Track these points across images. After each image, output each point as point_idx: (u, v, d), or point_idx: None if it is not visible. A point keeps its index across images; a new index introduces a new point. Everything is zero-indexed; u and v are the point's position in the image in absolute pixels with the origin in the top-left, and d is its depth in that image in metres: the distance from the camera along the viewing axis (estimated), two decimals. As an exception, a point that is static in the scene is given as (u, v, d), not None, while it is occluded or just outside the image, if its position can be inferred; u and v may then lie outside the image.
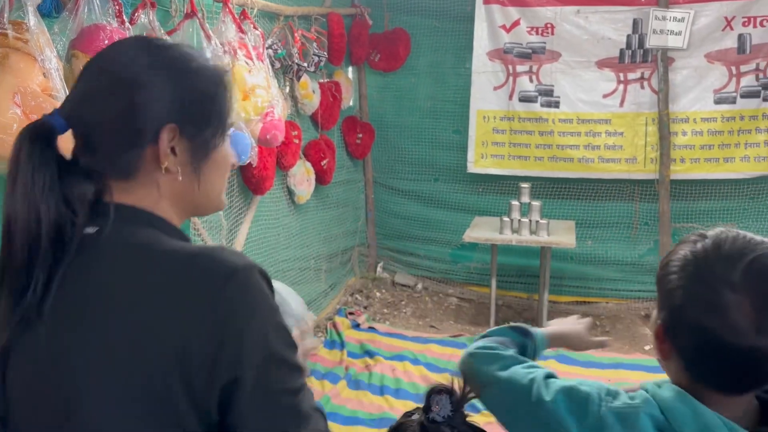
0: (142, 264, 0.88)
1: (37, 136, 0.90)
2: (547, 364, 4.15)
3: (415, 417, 1.26)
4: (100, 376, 0.85)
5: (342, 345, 4.51)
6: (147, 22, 2.54)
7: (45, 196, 0.88)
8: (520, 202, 4.62)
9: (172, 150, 0.94)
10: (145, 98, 0.92)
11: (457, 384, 1.25)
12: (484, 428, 1.28)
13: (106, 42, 2.15)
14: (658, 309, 1.05)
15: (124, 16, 2.29)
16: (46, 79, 1.89)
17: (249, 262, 0.91)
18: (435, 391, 1.24)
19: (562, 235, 4.56)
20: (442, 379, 3.95)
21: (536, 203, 4.60)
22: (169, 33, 2.70)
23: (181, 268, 0.87)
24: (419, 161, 5.52)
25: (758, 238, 0.97)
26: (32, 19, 1.88)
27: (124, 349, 0.84)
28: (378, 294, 5.54)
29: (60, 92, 1.92)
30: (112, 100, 0.92)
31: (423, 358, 4.31)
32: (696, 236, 1.02)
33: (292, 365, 0.91)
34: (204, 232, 3.26)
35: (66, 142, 0.96)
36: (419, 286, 5.62)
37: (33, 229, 0.87)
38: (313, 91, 4.39)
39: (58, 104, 1.91)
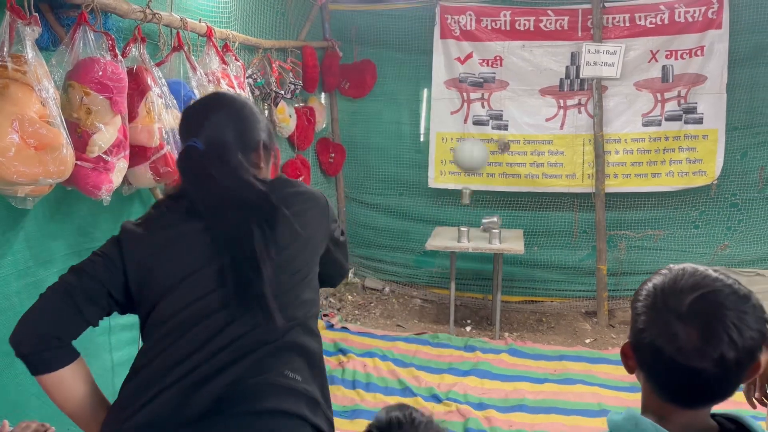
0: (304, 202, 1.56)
1: None
2: (500, 357, 4.20)
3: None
4: None
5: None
6: (138, 55, 2.51)
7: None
8: (462, 204, 4.75)
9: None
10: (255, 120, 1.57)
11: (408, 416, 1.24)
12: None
13: (101, 74, 2.12)
14: (629, 330, 1.09)
15: (117, 50, 2.26)
16: (43, 107, 1.85)
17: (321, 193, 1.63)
18: (382, 427, 1.22)
19: (512, 243, 4.60)
20: (408, 373, 3.95)
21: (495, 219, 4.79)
22: (158, 65, 2.67)
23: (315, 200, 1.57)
24: (385, 178, 5.53)
25: (714, 274, 1.01)
26: (30, 53, 1.84)
27: None
28: (350, 297, 5.52)
29: (56, 119, 1.88)
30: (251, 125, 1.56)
31: (391, 354, 4.29)
32: (665, 269, 1.06)
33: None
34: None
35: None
36: (387, 289, 5.62)
37: None
38: (290, 116, 4.38)
39: (55, 130, 1.88)
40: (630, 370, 1.08)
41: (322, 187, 5.40)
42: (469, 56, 4.99)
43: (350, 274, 5.79)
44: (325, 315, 4.99)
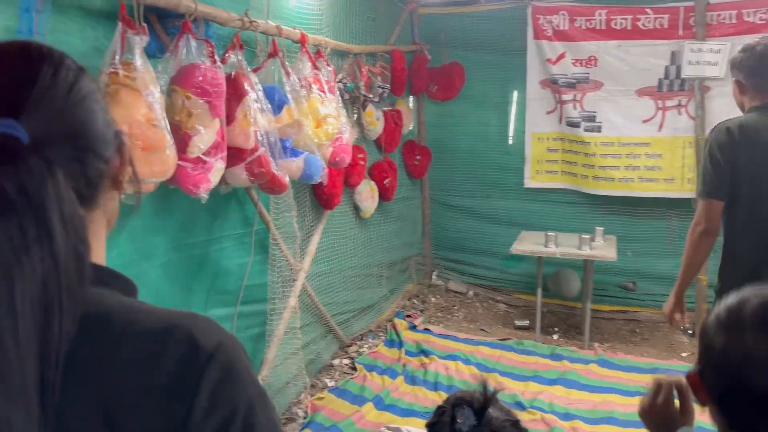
0: (107, 342, 0.65)
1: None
2: (588, 368, 4.05)
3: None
4: None
5: (400, 344, 4.50)
6: (236, 62, 2.62)
7: None
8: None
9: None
10: (103, 114, 0.74)
11: (477, 393, 1.20)
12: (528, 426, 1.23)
13: (201, 79, 2.24)
14: (697, 360, 1.02)
15: (216, 56, 2.37)
16: (149, 110, 1.97)
17: (227, 336, 0.71)
18: (456, 404, 1.20)
19: (604, 249, 4.42)
20: (491, 378, 3.90)
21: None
22: (255, 70, 2.77)
23: (170, 358, 0.65)
24: (472, 180, 5.48)
25: None
26: (139, 60, 1.97)
27: None
28: (433, 299, 5.50)
29: (161, 122, 2.00)
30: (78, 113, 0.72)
31: (473, 358, 4.25)
32: (733, 294, 0.99)
33: None
34: (281, 243, 3.32)
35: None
36: (470, 292, 5.56)
37: None
38: (378, 119, 4.43)
39: (160, 133, 2.00)
40: (702, 403, 1.00)
41: (407, 190, 5.42)
42: (562, 57, 4.85)
43: (434, 276, 5.78)
44: (407, 316, 5.01)
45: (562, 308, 5.19)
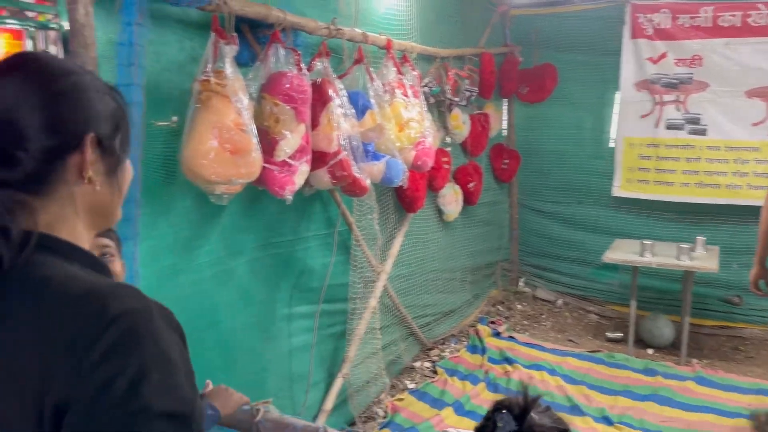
0: (39, 312, 0.74)
1: None
2: (684, 385, 3.84)
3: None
4: None
5: (483, 350, 4.47)
6: (322, 69, 2.73)
7: None
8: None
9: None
10: (59, 110, 0.81)
11: (518, 399, 1.20)
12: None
13: (288, 86, 2.35)
14: None
15: (302, 64, 2.48)
16: (238, 116, 2.11)
17: (143, 306, 0.76)
18: (496, 409, 1.19)
19: (705, 260, 4.19)
20: (577, 391, 3.80)
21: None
22: (341, 77, 2.87)
23: (77, 317, 0.73)
24: (563, 185, 5.35)
25: None
26: (229, 68, 2.11)
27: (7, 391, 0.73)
28: (519, 306, 5.42)
29: (248, 127, 2.13)
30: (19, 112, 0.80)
31: (560, 369, 4.15)
32: None
33: (167, 419, 0.72)
34: (363, 244, 3.41)
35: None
36: (559, 301, 5.42)
37: None
38: (464, 123, 4.44)
39: (247, 137, 2.13)
40: None
41: (494, 194, 5.38)
42: (663, 56, 4.63)
43: (521, 283, 5.68)
44: (491, 322, 4.96)
45: (658, 321, 4.94)
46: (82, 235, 0.85)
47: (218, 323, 2.56)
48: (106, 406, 0.69)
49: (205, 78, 2.06)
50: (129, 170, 0.94)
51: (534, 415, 1.15)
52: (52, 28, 2.01)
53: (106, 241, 1.40)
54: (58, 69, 0.85)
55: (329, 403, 3.22)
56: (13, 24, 2.02)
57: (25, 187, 0.78)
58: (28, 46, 1.88)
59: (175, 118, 2.13)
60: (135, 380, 0.70)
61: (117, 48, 1.79)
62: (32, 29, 2.00)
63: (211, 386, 1.72)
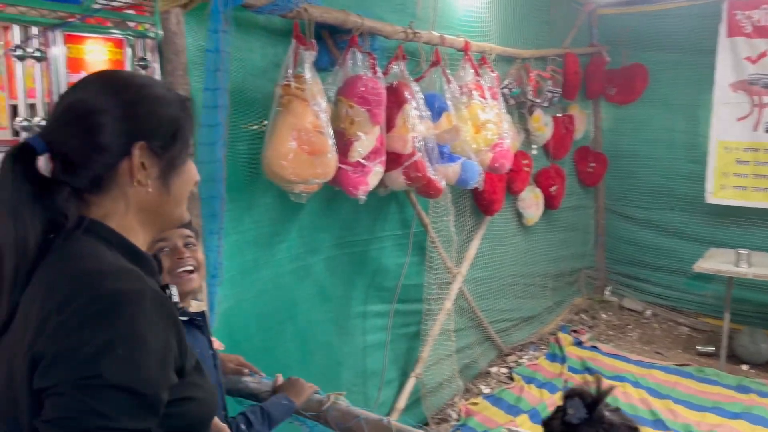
0: (57, 276, 0.87)
1: (19, 156, 0.91)
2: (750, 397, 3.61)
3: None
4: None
5: (563, 359, 4.39)
6: (398, 71, 2.81)
7: (23, 207, 0.89)
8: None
9: (142, 164, 0.94)
10: (110, 123, 0.92)
11: (591, 386, 1.20)
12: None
13: (363, 89, 2.45)
14: None
15: (377, 68, 2.57)
16: (316, 119, 2.22)
17: (134, 288, 0.85)
18: (568, 396, 1.20)
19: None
20: (663, 405, 3.66)
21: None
22: (417, 80, 2.94)
23: (77, 286, 0.84)
24: (653, 190, 5.15)
25: None
26: (308, 73, 2.23)
27: (16, 354, 0.85)
28: (604, 316, 5.26)
29: (325, 129, 2.24)
30: (77, 126, 0.93)
31: (644, 382, 4.01)
32: None
33: (120, 392, 0.79)
34: (439, 246, 3.46)
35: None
36: (648, 312, 5.22)
37: (11, 235, 0.88)
38: (546, 124, 4.38)
39: (323, 139, 2.24)
40: None
41: (578, 198, 5.26)
42: (763, 55, 4.38)
43: (607, 292, 5.52)
44: (574, 331, 4.86)
45: (756, 337, 4.66)
46: (132, 230, 0.97)
47: (296, 317, 2.70)
48: (63, 368, 0.79)
49: (286, 82, 2.19)
50: (189, 174, 1.03)
51: (607, 413, 1.16)
52: (149, 37, 2.21)
53: (188, 231, 1.53)
54: (122, 82, 0.98)
55: (402, 401, 3.28)
56: (115, 34, 2.23)
57: (85, 186, 0.92)
58: (128, 53, 2.08)
59: (265, 122, 2.27)
60: (98, 352, 0.79)
61: (205, 54, 1.94)
62: (132, 38, 2.21)
63: (281, 379, 1.80)
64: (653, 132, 5.10)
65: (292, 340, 2.65)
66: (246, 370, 1.84)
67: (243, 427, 1.49)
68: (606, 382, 1.22)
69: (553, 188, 4.55)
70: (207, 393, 0.98)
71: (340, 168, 2.38)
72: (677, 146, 5.02)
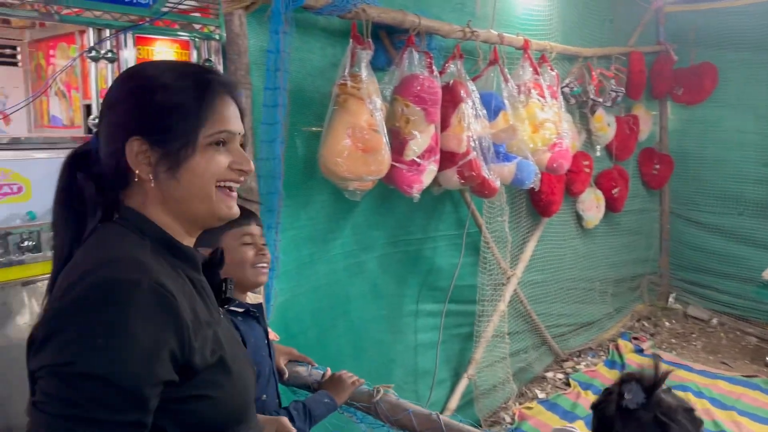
0: (75, 261, 0.91)
1: (76, 156, 0.98)
2: None
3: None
4: None
5: (622, 366, 4.29)
6: (455, 71, 2.83)
7: (74, 201, 0.95)
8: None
9: (144, 158, 0.92)
10: (114, 118, 0.95)
11: (648, 371, 1.17)
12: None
13: (419, 88, 2.48)
14: None
15: (434, 67, 2.59)
16: (371, 117, 2.27)
17: (129, 278, 0.84)
18: (625, 380, 1.18)
19: None
20: (726, 417, 3.55)
21: None
22: (474, 79, 2.95)
23: (82, 272, 0.86)
24: (722, 194, 4.96)
25: None
26: (364, 72, 2.28)
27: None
28: (667, 324, 5.10)
29: (379, 127, 2.28)
30: (103, 122, 0.97)
31: (708, 392, 3.88)
32: None
33: (94, 382, 0.79)
34: (494, 246, 3.45)
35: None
36: (714, 320, 5.03)
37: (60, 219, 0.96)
38: (608, 124, 4.30)
39: (378, 137, 2.29)
40: None
41: (642, 201, 5.12)
42: None
43: (670, 299, 5.35)
44: (634, 338, 4.74)
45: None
46: (167, 223, 0.95)
47: (349, 313, 2.75)
48: (45, 352, 0.81)
49: (342, 81, 2.25)
50: (203, 166, 0.94)
51: (663, 396, 1.14)
52: (214, 39, 2.31)
53: (249, 229, 1.59)
54: (134, 74, 0.99)
55: (454, 402, 3.29)
56: (182, 36, 2.34)
57: (112, 180, 0.95)
58: (194, 55, 2.18)
59: (323, 125, 2.33)
60: (75, 339, 0.80)
61: (266, 54, 2.02)
62: (197, 40, 2.32)
63: (329, 373, 1.84)
64: (722, 133, 4.92)
65: (344, 335, 2.70)
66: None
67: None
68: (663, 366, 1.20)
69: (615, 190, 4.45)
70: (228, 392, 0.94)
71: (394, 166, 2.42)
72: (747, 148, 4.82)
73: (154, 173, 0.93)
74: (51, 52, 2.91)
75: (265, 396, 1.56)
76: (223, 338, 0.97)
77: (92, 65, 2.00)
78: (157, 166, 0.92)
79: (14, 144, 1.97)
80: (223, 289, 1.06)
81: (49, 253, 1.75)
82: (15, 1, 1.90)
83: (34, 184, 1.87)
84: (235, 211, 0.99)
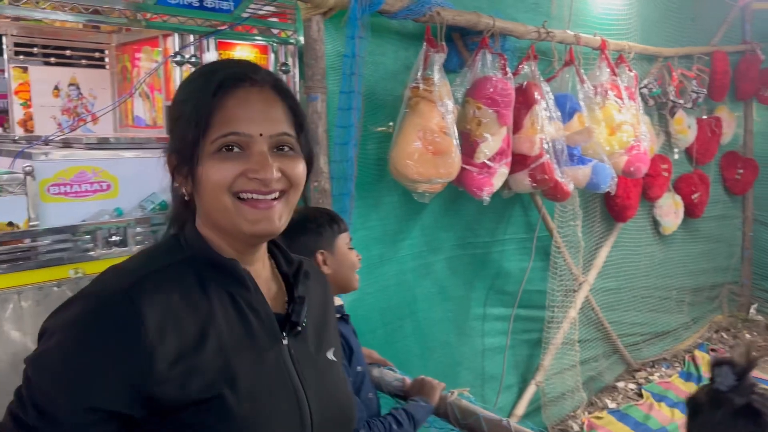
0: None
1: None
2: None
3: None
4: None
5: (699, 379, 4.12)
6: (529, 72, 2.78)
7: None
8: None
9: (176, 169, 0.88)
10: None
11: (739, 354, 1.13)
12: None
13: (492, 90, 2.46)
14: None
15: (508, 68, 2.56)
16: (442, 120, 2.27)
17: (92, 290, 0.81)
18: (716, 364, 1.14)
19: None
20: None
21: None
22: (548, 80, 2.90)
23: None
24: (812, 201, 4.68)
25: None
26: (437, 75, 2.28)
27: None
28: (748, 336, 4.85)
29: (450, 130, 2.28)
30: None
31: (793, 410, 3.66)
32: None
33: (26, 380, 0.78)
34: (565, 251, 3.37)
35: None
36: (800, 334, 4.75)
37: None
38: (689, 127, 4.13)
39: (448, 139, 2.28)
40: None
41: (724, 207, 4.88)
42: None
43: (752, 310, 5.08)
44: (712, 350, 4.53)
45: None
46: (210, 236, 0.89)
47: (416, 314, 2.76)
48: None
49: (415, 85, 2.26)
50: (207, 175, 0.84)
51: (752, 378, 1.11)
52: (291, 43, 2.38)
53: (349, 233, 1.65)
54: (187, 77, 0.95)
55: (521, 408, 3.25)
56: (260, 41, 2.42)
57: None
58: (271, 59, 2.25)
59: (391, 124, 2.36)
60: (39, 338, 0.81)
61: (342, 59, 2.05)
62: (275, 44, 2.39)
63: (408, 381, 1.84)
64: (816, 137, 4.64)
65: (412, 336, 2.72)
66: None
67: (395, 427, 1.55)
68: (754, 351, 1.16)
69: (695, 195, 4.27)
70: (240, 420, 0.80)
71: (464, 169, 2.41)
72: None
73: (186, 187, 0.87)
74: (136, 55, 3.06)
75: (371, 394, 1.60)
76: (245, 370, 0.83)
77: (176, 68, 2.09)
78: (185, 179, 0.87)
79: (103, 144, 2.09)
80: (289, 311, 0.92)
81: (135, 248, 1.87)
82: (106, 8, 2.01)
83: (121, 182, 1.97)
84: (263, 227, 0.85)
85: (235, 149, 0.84)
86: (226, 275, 0.87)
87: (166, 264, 0.85)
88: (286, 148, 0.87)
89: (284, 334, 0.90)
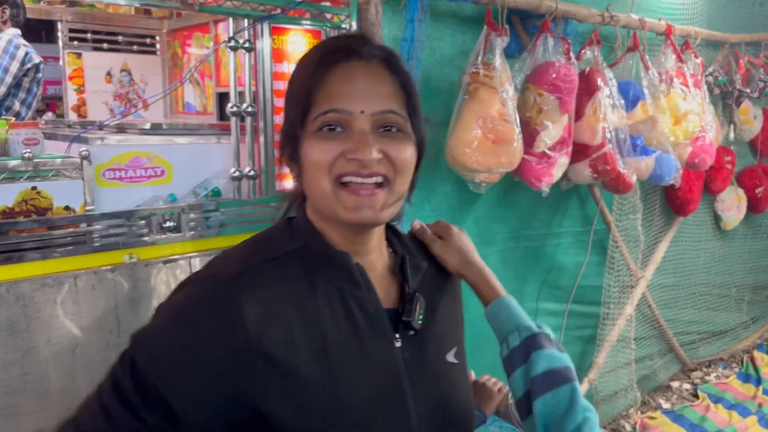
0: None
1: None
2: None
3: None
4: None
5: (758, 381, 3.94)
6: (591, 57, 2.66)
7: None
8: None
9: (286, 154, 0.86)
10: None
11: None
12: None
13: (554, 76, 2.35)
14: None
15: (571, 54, 2.45)
16: (502, 106, 2.17)
17: (200, 276, 0.80)
18: None
19: None
20: None
21: None
22: (611, 66, 2.77)
23: None
24: None
25: None
26: (498, 60, 2.18)
27: None
28: (812, 337, 4.63)
29: (511, 117, 2.18)
30: None
31: None
32: None
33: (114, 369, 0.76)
34: (622, 246, 3.24)
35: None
36: None
37: None
38: (755, 117, 3.93)
39: (509, 127, 2.19)
40: None
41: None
42: None
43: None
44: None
45: None
46: (319, 223, 0.86)
47: (469, 307, 2.67)
48: None
49: (474, 70, 2.16)
50: (307, 156, 0.81)
51: None
52: (344, 28, 2.31)
53: None
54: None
55: (572, 406, 3.15)
56: (313, 25, 2.36)
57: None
58: (327, 43, 2.18)
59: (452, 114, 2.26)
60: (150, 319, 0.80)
61: (400, 43, 1.98)
62: (328, 29, 2.32)
63: (473, 376, 1.73)
64: None
65: (466, 330, 2.64)
66: None
67: None
68: None
69: (758, 190, 4.06)
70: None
71: (523, 158, 2.31)
72: None
73: (294, 169, 0.85)
74: (187, 41, 3.05)
75: None
76: (348, 376, 0.78)
77: (229, 55, 2.05)
78: (291, 161, 0.84)
79: (157, 129, 2.07)
80: (400, 310, 0.86)
81: (189, 234, 1.85)
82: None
83: (175, 168, 1.95)
84: (362, 215, 0.79)
85: (337, 129, 0.79)
86: (335, 269, 0.82)
87: (277, 254, 0.81)
88: (394, 129, 0.81)
89: (397, 335, 0.85)
